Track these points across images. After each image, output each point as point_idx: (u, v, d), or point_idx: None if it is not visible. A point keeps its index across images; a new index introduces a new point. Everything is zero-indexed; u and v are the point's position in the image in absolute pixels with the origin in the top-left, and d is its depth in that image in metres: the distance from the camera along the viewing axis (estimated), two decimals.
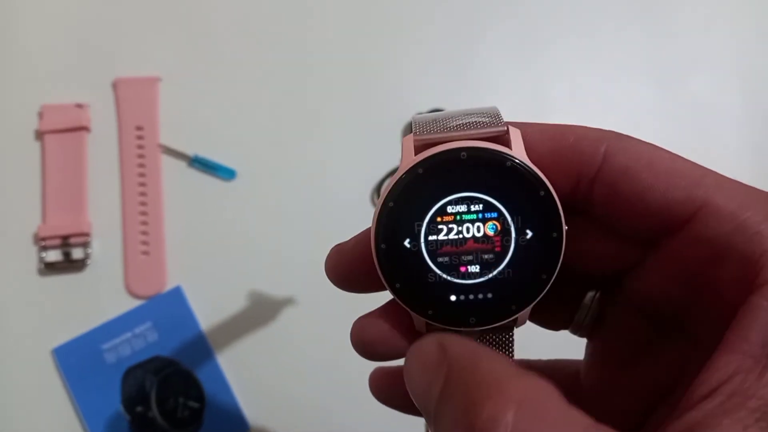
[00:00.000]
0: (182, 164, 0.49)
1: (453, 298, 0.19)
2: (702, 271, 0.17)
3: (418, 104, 0.50)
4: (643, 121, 0.51)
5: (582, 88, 0.52)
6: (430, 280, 0.19)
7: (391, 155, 0.50)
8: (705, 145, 0.50)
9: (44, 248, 0.47)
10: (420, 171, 0.19)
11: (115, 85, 0.50)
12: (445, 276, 0.19)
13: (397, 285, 0.19)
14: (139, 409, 0.45)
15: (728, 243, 0.17)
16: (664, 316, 0.19)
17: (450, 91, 0.51)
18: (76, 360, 0.46)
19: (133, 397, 0.46)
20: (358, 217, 0.50)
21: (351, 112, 0.50)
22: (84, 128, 0.49)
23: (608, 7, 0.53)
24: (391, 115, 0.50)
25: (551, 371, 0.23)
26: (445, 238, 0.19)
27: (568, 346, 0.24)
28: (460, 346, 0.17)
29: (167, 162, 0.49)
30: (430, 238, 0.19)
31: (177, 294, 0.47)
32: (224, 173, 0.48)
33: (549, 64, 0.52)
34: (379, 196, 0.48)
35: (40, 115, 0.49)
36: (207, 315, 0.47)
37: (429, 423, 0.17)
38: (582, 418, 0.15)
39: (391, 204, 0.19)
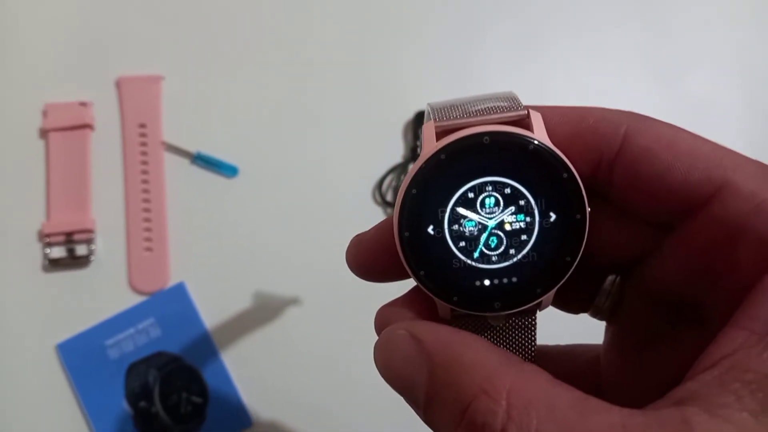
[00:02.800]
0: (185, 161, 0.49)
1: (478, 283, 0.18)
2: (720, 253, 0.17)
3: (419, 102, 0.50)
4: None
5: (581, 86, 0.52)
6: (454, 266, 0.18)
7: (392, 153, 0.50)
8: None
9: (48, 245, 0.47)
10: (442, 157, 0.18)
11: (118, 84, 0.50)
12: (469, 262, 0.18)
13: (422, 272, 0.19)
14: (142, 404, 0.46)
15: (746, 223, 0.16)
16: (681, 301, 0.19)
17: (451, 88, 0.51)
18: (79, 355, 0.46)
19: (137, 393, 0.46)
20: (360, 213, 0.50)
21: (353, 109, 0.51)
22: (88, 126, 0.49)
23: (608, 5, 0.53)
24: (392, 112, 0.50)
25: (571, 356, 0.23)
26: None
27: (584, 330, 0.24)
28: (435, 336, 0.17)
29: (170, 159, 0.49)
30: (454, 224, 0.18)
31: (180, 290, 0.47)
32: (226, 170, 0.49)
33: (549, 62, 0.52)
34: (380, 192, 0.49)
35: (45, 113, 0.49)
36: (210, 311, 0.47)
37: (419, 413, 0.17)
38: (569, 392, 0.15)
39: (414, 191, 0.18)
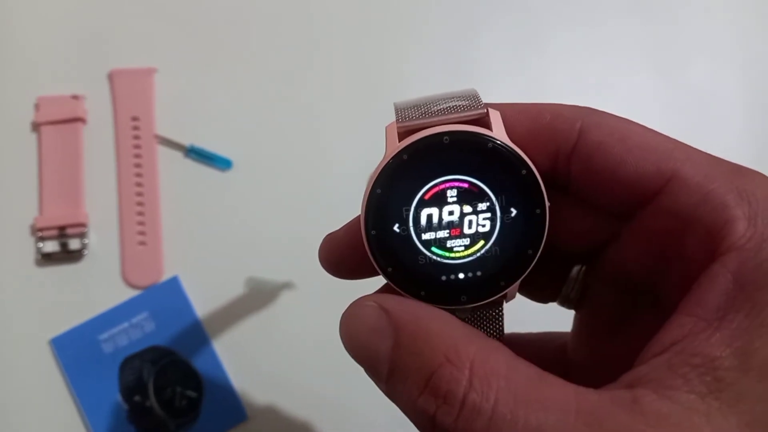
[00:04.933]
0: (178, 154, 0.49)
1: (443, 278, 0.19)
2: (671, 242, 0.18)
3: (417, 94, 0.50)
4: (643, 110, 0.50)
5: (582, 78, 0.51)
6: (420, 262, 0.19)
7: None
8: (706, 133, 0.49)
9: (41, 239, 0.47)
10: (405, 157, 0.19)
11: (110, 77, 0.50)
12: (434, 257, 0.19)
13: (389, 269, 0.19)
14: (137, 398, 0.46)
15: (694, 214, 0.17)
16: (640, 288, 0.20)
17: (450, 81, 0.51)
18: (73, 350, 0.46)
19: (131, 387, 0.46)
20: (354, 207, 0.50)
21: (348, 101, 0.50)
22: (80, 119, 0.49)
23: None
24: (388, 105, 0.49)
25: (540, 343, 0.24)
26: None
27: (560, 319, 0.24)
28: (403, 308, 0.18)
29: (163, 152, 0.49)
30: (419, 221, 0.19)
31: (174, 284, 0.47)
32: (220, 163, 0.48)
33: (549, 55, 0.52)
34: None
35: (37, 106, 0.49)
36: (204, 304, 0.47)
37: (380, 384, 0.18)
38: (529, 367, 0.16)
39: (378, 191, 0.19)
